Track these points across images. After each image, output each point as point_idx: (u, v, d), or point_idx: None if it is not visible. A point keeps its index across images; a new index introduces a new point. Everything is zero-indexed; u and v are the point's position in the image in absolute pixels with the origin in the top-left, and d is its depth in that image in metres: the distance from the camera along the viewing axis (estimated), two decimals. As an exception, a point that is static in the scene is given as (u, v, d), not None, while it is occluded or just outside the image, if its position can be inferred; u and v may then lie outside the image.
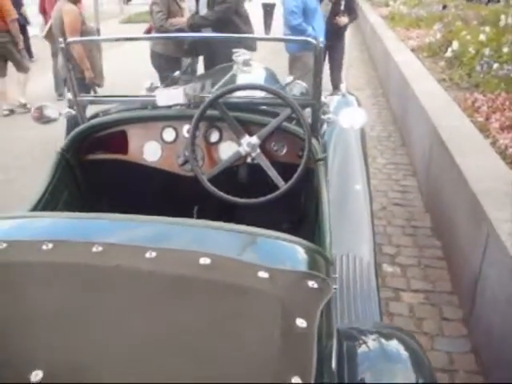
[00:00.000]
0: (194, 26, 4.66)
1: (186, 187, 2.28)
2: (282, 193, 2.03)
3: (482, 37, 6.04)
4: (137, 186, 2.38)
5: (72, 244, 1.22)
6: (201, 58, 5.38)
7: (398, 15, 10.65)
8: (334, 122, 2.37)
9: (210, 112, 2.12)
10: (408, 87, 5.10)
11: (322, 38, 2.06)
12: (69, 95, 2.31)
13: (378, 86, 7.70)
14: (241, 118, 2.15)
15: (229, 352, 0.95)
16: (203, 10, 4.80)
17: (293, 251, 1.32)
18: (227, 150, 2.22)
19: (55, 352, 0.93)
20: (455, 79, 5.39)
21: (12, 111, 6.73)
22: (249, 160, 2.16)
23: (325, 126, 2.70)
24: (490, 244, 2.44)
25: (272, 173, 2.08)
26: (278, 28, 9.79)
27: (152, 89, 2.47)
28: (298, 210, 2.52)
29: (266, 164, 2.10)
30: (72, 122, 3.71)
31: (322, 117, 2.25)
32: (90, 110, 2.43)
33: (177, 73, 3.15)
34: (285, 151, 2.22)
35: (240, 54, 3.08)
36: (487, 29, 6.35)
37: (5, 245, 1.18)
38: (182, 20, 4.80)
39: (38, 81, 7.30)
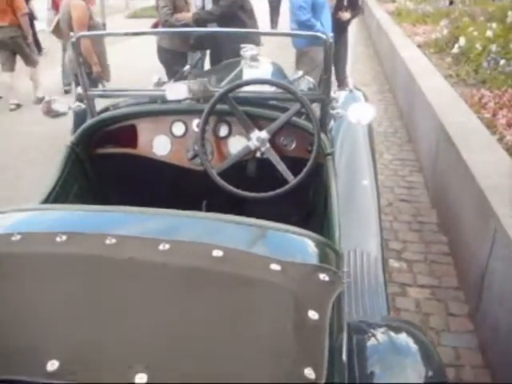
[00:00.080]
0: (199, 21, 4.67)
1: (195, 181, 2.30)
2: (291, 187, 2.04)
3: (489, 33, 6.02)
4: (146, 179, 2.40)
5: (85, 236, 1.24)
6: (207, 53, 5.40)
7: (404, 11, 10.60)
8: (342, 117, 2.38)
9: (219, 106, 2.13)
10: (414, 83, 5.10)
11: (331, 34, 2.06)
12: (78, 89, 2.32)
13: (385, 82, 7.68)
14: (250, 112, 2.16)
15: (242, 343, 0.96)
16: (209, 5, 4.81)
17: (303, 244, 1.33)
18: (236, 145, 2.24)
19: (70, 342, 0.95)
20: (462, 75, 5.37)
21: (18, 105, 6.75)
22: (258, 154, 2.17)
23: (332, 122, 2.71)
24: (497, 240, 2.45)
25: (281, 167, 2.09)
26: (285, 23, 9.81)
27: (160, 84, 2.49)
28: (306, 205, 2.53)
29: (275, 158, 2.11)
30: (80, 116, 3.75)
31: (331, 112, 2.25)
32: (98, 105, 2.44)
33: (187, 67, 3.16)
34: (294, 146, 2.23)
35: (248, 49, 3.08)
36: (494, 25, 6.33)
37: (19, 237, 1.20)
38: (188, 15, 4.81)
39: (47, 74, 7.32)
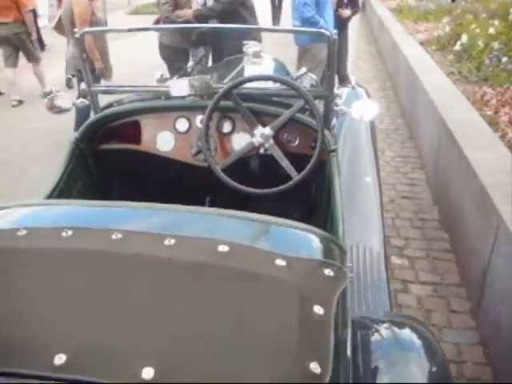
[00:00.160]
0: (200, 18, 4.66)
1: (198, 177, 2.30)
2: (295, 183, 2.05)
3: (492, 30, 6.02)
4: (149, 175, 2.40)
5: (91, 231, 1.24)
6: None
7: (406, 8, 10.59)
8: (345, 114, 2.38)
9: (223, 103, 2.14)
10: (417, 80, 5.10)
11: (335, 30, 2.07)
12: (82, 85, 2.32)
13: (386, 79, 7.68)
14: (254, 108, 2.17)
15: (249, 337, 0.97)
16: (210, 2, 4.81)
17: (308, 240, 1.33)
18: (240, 141, 2.24)
19: (77, 336, 0.95)
20: (464, 73, 5.37)
21: (20, 101, 6.76)
22: (261, 151, 2.17)
23: (334, 119, 2.71)
24: (499, 237, 2.45)
25: (285, 163, 2.09)
26: (286, 20, 9.79)
27: (162, 80, 2.49)
28: (308, 201, 2.54)
29: (279, 155, 2.12)
30: (82, 112, 3.75)
31: (335, 108, 2.26)
32: (101, 101, 2.44)
33: (190, 63, 3.17)
34: (297, 142, 2.24)
35: (250, 46, 3.08)
36: (496, 22, 6.32)
37: (25, 231, 1.20)
38: (189, 12, 4.80)
39: (50, 71, 7.32)
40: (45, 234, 1.24)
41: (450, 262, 3.17)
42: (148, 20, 6.29)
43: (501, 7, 6.94)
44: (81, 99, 2.34)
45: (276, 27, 9.58)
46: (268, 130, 2.11)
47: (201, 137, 2.17)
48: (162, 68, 4.75)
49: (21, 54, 6.89)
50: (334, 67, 2.16)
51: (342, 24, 5.88)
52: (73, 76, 5.14)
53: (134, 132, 2.34)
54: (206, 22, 4.73)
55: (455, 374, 2.31)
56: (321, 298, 1.09)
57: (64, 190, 2.07)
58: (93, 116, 2.36)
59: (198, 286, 1.07)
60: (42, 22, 9.08)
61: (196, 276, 1.10)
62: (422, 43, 7.02)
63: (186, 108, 2.29)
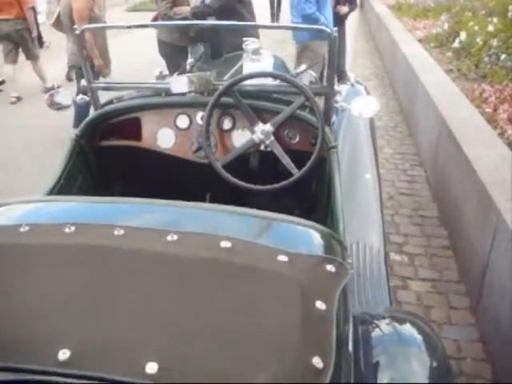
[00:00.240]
0: (197, 15, 4.65)
1: (198, 174, 2.31)
2: (295, 180, 2.05)
3: (491, 28, 6.02)
4: (150, 172, 2.41)
5: (94, 227, 1.25)
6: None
7: (404, 5, 10.59)
8: (344, 111, 2.38)
9: (223, 99, 2.14)
10: (415, 78, 5.10)
11: (335, 27, 2.07)
12: (82, 81, 2.32)
13: (385, 77, 7.68)
14: (254, 105, 2.17)
15: (251, 332, 0.97)
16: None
17: (309, 235, 1.34)
18: (240, 138, 2.25)
19: (81, 331, 0.95)
20: (463, 70, 5.37)
21: (19, 98, 6.75)
22: (262, 147, 2.18)
23: (334, 115, 2.71)
24: (498, 233, 2.46)
25: (285, 160, 2.10)
26: (284, 17, 9.77)
27: (161, 77, 2.49)
28: (308, 197, 2.54)
29: (279, 151, 2.12)
30: (81, 109, 3.75)
31: (335, 105, 2.26)
32: (101, 98, 2.44)
33: (190, 60, 3.17)
34: (297, 139, 2.24)
35: (249, 43, 3.08)
36: (495, 20, 6.33)
37: (27, 228, 1.20)
38: (186, 9, 4.79)
39: (49, 67, 7.32)
40: (47, 230, 1.24)
41: (449, 259, 3.18)
42: (146, 17, 6.29)
43: (499, 4, 6.94)
44: (81, 96, 2.34)
45: (276, 24, 9.57)
46: (268, 127, 2.12)
47: (201, 133, 2.17)
48: (161, 65, 4.76)
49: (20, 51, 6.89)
50: (335, 64, 2.17)
51: (339, 21, 5.92)
52: (70, 68, 5.14)
53: (134, 128, 2.35)
54: (204, 19, 4.73)
55: (454, 371, 2.32)
56: (323, 293, 1.10)
57: (64, 186, 2.07)
58: (93, 112, 2.36)
59: (201, 281, 1.08)
60: (40, 19, 9.05)
61: (199, 272, 1.11)
62: (420, 40, 7.02)
63: (186, 105, 2.29)
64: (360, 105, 2.24)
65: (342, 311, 1.13)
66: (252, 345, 0.95)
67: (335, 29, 2.06)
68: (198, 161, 2.30)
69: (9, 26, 6.54)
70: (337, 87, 2.23)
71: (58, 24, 5.40)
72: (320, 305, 1.04)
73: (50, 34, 6.97)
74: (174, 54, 4.90)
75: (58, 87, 2.03)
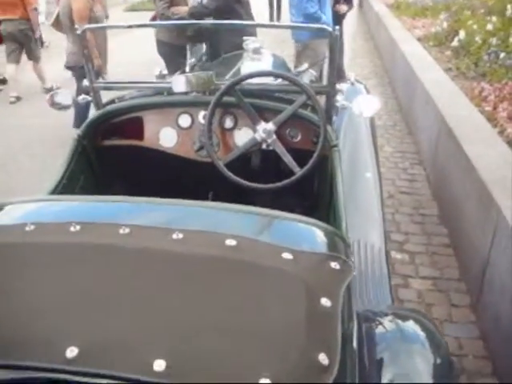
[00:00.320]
0: (195, 15, 4.66)
1: (200, 173, 2.31)
2: (297, 178, 2.06)
3: (490, 26, 6.03)
4: (152, 171, 2.41)
5: (99, 226, 1.25)
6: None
7: (403, 4, 10.60)
8: (344, 110, 2.39)
9: (225, 98, 2.15)
10: (414, 76, 5.11)
11: (338, 26, 2.08)
12: (84, 81, 2.33)
13: (384, 76, 7.69)
14: (256, 104, 2.18)
15: (258, 329, 0.98)
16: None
17: (313, 233, 1.35)
18: (242, 137, 2.25)
19: (88, 329, 0.96)
20: (462, 69, 5.38)
21: (18, 98, 6.75)
22: (264, 146, 2.18)
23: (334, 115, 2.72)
24: (498, 232, 2.47)
25: (287, 159, 2.11)
26: (284, 16, 9.76)
27: (161, 76, 2.50)
28: (310, 196, 2.55)
29: (281, 150, 2.13)
30: (81, 108, 3.75)
31: (336, 104, 2.27)
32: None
33: (192, 60, 3.17)
34: (299, 138, 2.25)
35: (250, 42, 3.09)
36: (494, 18, 6.34)
37: (32, 227, 1.21)
38: (184, 9, 4.80)
39: (49, 67, 7.32)
40: (52, 228, 1.25)
41: (449, 257, 3.19)
42: (145, 17, 6.29)
43: (498, 3, 6.95)
44: (83, 96, 2.35)
45: (277, 23, 9.57)
46: (271, 126, 2.12)
47: (203, 133, 2.18)
48: (161, 64, 4.77)
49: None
50: (336, 62, 2.18)
51: (338, 20, 5.94)
52: (68, 69, 5.15)
53: (136, 128, 2.35)
54: (201, 20, 4.73)
55: (457, 367, 2.33)
56: (328, 290, 1.10)
57: (67, 186, 2.08)
58: (94, 112, 2.36)
59: (207, 279, 1.08)
60: (39, 19, 9.05)
61: (204, 269, 1.11)
62: (419, 39, 7.02)
63: (188, 104, 2.30)
64: (361, 103, 2.24)
65: (346, 308, 1.13)
66: (258, 342, 0.96)
67: (337, 27, 2.07)
68: (199, 160, 2.31)
69: (13, 26, 6.60)
70: (338, 86, 2.24)
71: (57, 24, 5.40)
72: (325, 302, 1.05)
73: (49, 34, 6.98)
74: (172, 54, 4.91)
75: (57, 88, 2.04)
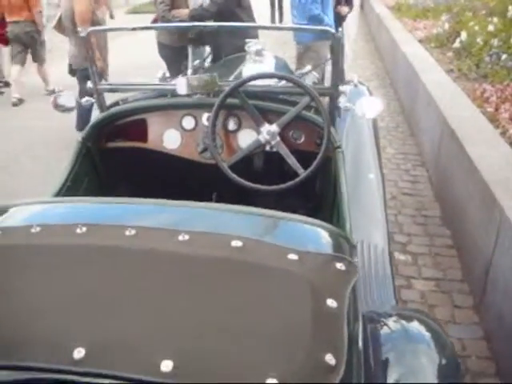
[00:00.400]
0: (195, 18, 4.65)
1: (204, 175, 2.32)
2: (301, 180, 2.07)
3: (491, 27, 6.04)
4: (156, 173, 2.42)
5: (105, 227, 1.26)
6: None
7: (404, 6, 10.60)
8: (347, 112, 2.40)
9: (229, 100, 2.15)
10: (416, 78, 5.11)
11: (340, 28, 2.09)
12: (88, 83, 2.34)
13: (386, 77, 7.69)
14: (260, 106, 2.18)
15: (265, 330, 0.98)
16: (206, 2, 4.81)
17: (318, 234, 1.35)
18: (246, 138, 2.26)
19: (95, 330, 0.96)
20: (463, 70, 5.38)
21: (21, 100, 6.77)
22: (267, 148, 2.19)
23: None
24: (502, 232, 2.48)
25: (291, 160, 2.11)
26: (286, 17, 9.75)
27: (164, 78, 2.51)
28: (313, 198, 2.55)
29: (285, 152, 2.14)
30: (84, 110, 3.76)
31: (340, 105, 2.28)
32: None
33: (196, 62, 3.18)
34: (303, 139, 2.25)
35: (252, 44, 3.09)
36: (495, 19, 6.35)
37: (39, 228, 1.21)
38: (184, 11, 4.80)
39: (52, 70, 7.32)
40: (59, 230, 1.25)
41: (452, 258, 3.19)
42: (147, 19, 6.29)
43: (499, 4, 6.96)
44: (87, 98, 2.36)
45: (279, 25, 9.59)
46: (274, 127, 2.13)
47: (207, 134, 2.18)
48: (163, 66, 4.77)
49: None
50: (339, 65, 2.18)
51: (339, 21, 5.96)
52: (72, 69, 5.17)
53: (140, 130, 2.36)
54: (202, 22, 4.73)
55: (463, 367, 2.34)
56: (333, 291, 1.11)
57: (71, 188, 2.09)
58: (97, 114, 2.37)
59: (213, 280, 1.09)
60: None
61: (211, 271, 1.12)
62: (420, 41, 7.03)
63: (192, 106, 2.30)
64: (364, 105, 2.25)
65: (351, 309, 1.14)
66: (265, 342, 0.96)
67: (340, 29, 2.08)
68: (203, 162, 2.31)
69: (19, 28, 6.67)
70: (341, 88, 2.24)
71: (59, 27, 5.41)
72: (331, 302, 1.05)
73: (51, 36, 7.00)
74: (173, 56, 4.91)
75: (59, 91, 2.05)
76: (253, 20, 4.88)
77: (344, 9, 6.08)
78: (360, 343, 1.16)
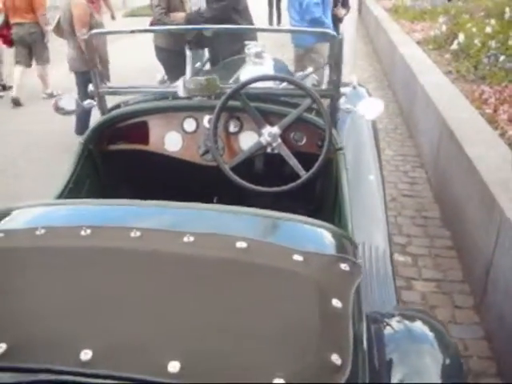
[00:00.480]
0: (191, 22, 4.66)
1: (205, 177, 2.32)
2: (303, 181, 2.07)
3: (489, 29, 6.06)
4: (157, 175, 2.42)
5: (110, 229, 1.26)
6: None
7: (401, 8, 10.64)
8: (346, 113, 2.40)
9: (230, 102, 2.16)
10: (415, 80, 5.13)
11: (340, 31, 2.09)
12: (90, 86, 2.34)
13: (384, 79, 7.71)
14: (261, 108, 2.19)
15: (271, 331, 0.98)
16: (203, 6, 4.82)
17: (322, 235, 1.36)
18: (247, 140, 2.26)
19: (102, 332, 0.96)
20: (462, 71, 5.40)
21: (17, 102, 6.78)
22: (269, 150, 2.19)
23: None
24: (502, 232, 2.48)
25: (293, 162, 2.11)
26: (284, 19, 9.73)
27: (163, 81, 2.51)
28: (314, 199, 2.56)
29: (287, 154, 2.14)
30: (83, 114, 3.77)
31: (341, 107, 2.28)
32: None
33: (197, 64, 3.18)
34: (304, 141, 2.26)
35: (252, 47, 3.10)
36: (493, 21, 6.37)
37: (43, 231, 1.21)
38: (181, 15, 4.81)
39: (50, 73, 7.33)
40: (63, 232, 1.25)
41: (452, 259, 3.20)
42: (144, 22, 6.28)
43: (496, 6, 6.99)
44: (88, 100, 2.36)
45: (279, 28, 9.61)
46: (276, 129, 2.13)
47: (209, 137, 2.19)
48: (162, 70, 4.77)
49: None
50: (340, 67, 2.19)
51: (335, 23, 5.99)
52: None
53: (141, 132, 2.36)
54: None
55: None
56: (338, 291, 1.11)
57: (73, 190, 2.09)
58: (100, 117, 2.38)
59: (219, 281, 1.09)
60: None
61: (216, 272, 1.12)
62: (418, 42, 7.06)
63: (193, 108, 2.31)
64: (365, 107, 2.26)
65: (356, 309, 1.14)
66: (271, 342, 0.96)
67: (341, 32, 2.09)
68: (205, 164, 2.32)
69: (24, 30, 6.75)
70: (342, 89, 2.25)
71: (57, 30, 5.43)
72: (336, 303, 1.06)
73: (51, 40, 7.00)
74: (170, 59, 4.90)
75: (58, 94, 2.06)
76: (250, 23, 4.88)
77: (341, 11, 6.13)
78: (365, 343, 1.17)
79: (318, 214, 2.49)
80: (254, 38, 4.46)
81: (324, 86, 2.48)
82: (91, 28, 4.84)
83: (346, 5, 6.46)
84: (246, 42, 3.16)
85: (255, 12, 4.99)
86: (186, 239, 1.17)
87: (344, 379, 0.92)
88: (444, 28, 7.19)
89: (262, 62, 3.04)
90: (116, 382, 0.88)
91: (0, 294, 1.06)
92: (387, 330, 1.39)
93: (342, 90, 2.31)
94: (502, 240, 2.48)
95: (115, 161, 2.39)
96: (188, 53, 4.95)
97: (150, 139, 2.37)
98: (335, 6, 6.06)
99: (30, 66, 7.02)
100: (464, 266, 3.11)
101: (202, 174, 2.34)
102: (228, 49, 4.13)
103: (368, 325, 1.33)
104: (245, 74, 2.82)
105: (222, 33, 4.44)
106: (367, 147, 2.91)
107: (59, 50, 6.71)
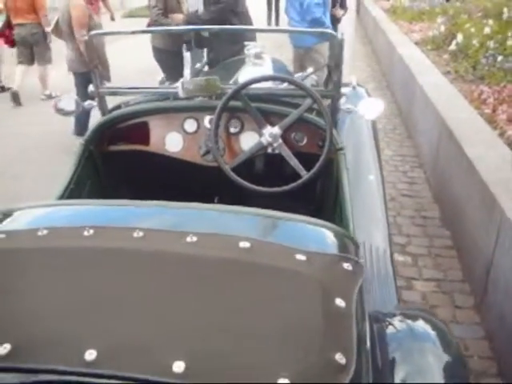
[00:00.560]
0: (189, 24, 4.66)
1: (206, 177, 2.32)
2: (304, 182, 2.07)
3: (487, 29, 6.07)
4: (158, 176, 2.42)
5: (112, 229, 1.26)
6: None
7: (399, 8, 10.66)
8: (346, 113, 2.41)
9: (231, 103, 2.16)
10: (413, 80, 5.14)
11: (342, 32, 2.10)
12: (90, 87, 2.34)
13: (382, 79, 7.72)
14: (262, 108, 2.19)
15: (275, 330, 0.98)
16: (201, 9, 4.83)
17: (324, 235, 1.36)
18: (248, 141, 2.26)
19: (106, 332, 0.96)
20: (460, 72, 5.42)
21: (16, 98, 6.79)
22: (270, 150, 2.20)
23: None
24: (502, 232, 2.49)
25: (294, 162, 2.12)
26: (282, 21, 9.74)
27: (163, 82, 2.51)
28: (314, 199, 2.56)
29: (287, 154, 2.14)
30: (82, 115, 3.76)
31: (341, 107, 2.29)
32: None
33: (197, 65, 3.19)
34: (305, 141, 2.26)
35: (251, 47, 3.10)
36: (491, 21, 6.38)
37: (45, 231, 1.21)
38: (179, 17, 4.81)
39: (49, 74, 7.34)
40: (66, 233, 1.25)
41: (452, 259, 3.20)
42: (143, 23, 6.29)
43: (495, 6, 7.00)
44: (89, 101, 2.36)
45: (279, 28, 9.62)
46: (277, 130, 2.13)
47: (210, 137, 2.19)
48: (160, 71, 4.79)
49: None
50: (340, 67, 2.19)
51: (333, 24, 6.02)
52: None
53: (142, 133, 2.36)
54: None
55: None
56: (341, 291, 1.11)
57: (74, 190, 2.08)
58: (98, 118, 2.38)
59: (222, 281, 1.09)
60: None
61: (219, 272, 1.12)
62: (417, 43, 7.07)
63: (194, 109, 2.31)
64: (366, 107, 2.26)
65: (359, 309, 1.14)
66: (276, 342, 0.96)
67: (342, 32, 2.09)
68: (205, 164, 2.32)
69: (26, 31, 6.80)
70: (342, 90, 2.26)
71: (56, 31, 5.43)
72: (339, 302, 1.06)
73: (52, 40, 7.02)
74: (168, 60, 4.90)
75: (56, 96, 2.06)
76: (249, 24, 4.88)
77: (339, 11, 6.17)
78: (368, 342, 1.17)
79: (318, 214, 2.49)
80: (253, 39, 4.46)
81: (324, 87, 2.48)
82: (90, 29, 4.85)
83: (343, 6, 6.50)
84: (246, 43, 3.16)
85: (254, 13, 4.98)
86: (188, 239, 1.17)
87: (348, 379, 0.92)
88: (442, 28, 7.21)
89: (262, 62, 3.04)
90: (121, 382, 0.87)
91: (4, 294, 1.06)
92: (389, 329, 1.39)
93: (342, 90, 2.31)
94: (502, 240, 2.48)
95: (116, 161, 2.39)
96: (185, 53, 4.97)
97: (150, 140, 2.37)
98: (333, 6, 6.11)
99: (30, 65, 7.04)
100: (464, 265, 3.12)
101: (203, 174, 2.34)
102: (227, 50, 4.13)
103: (370, 324, 1.33)
104: (244, 74, 2.82)
105: (220, 34, 4.45)
106: (367, 147, 2.91)
107: (59, 51, 6.73)
